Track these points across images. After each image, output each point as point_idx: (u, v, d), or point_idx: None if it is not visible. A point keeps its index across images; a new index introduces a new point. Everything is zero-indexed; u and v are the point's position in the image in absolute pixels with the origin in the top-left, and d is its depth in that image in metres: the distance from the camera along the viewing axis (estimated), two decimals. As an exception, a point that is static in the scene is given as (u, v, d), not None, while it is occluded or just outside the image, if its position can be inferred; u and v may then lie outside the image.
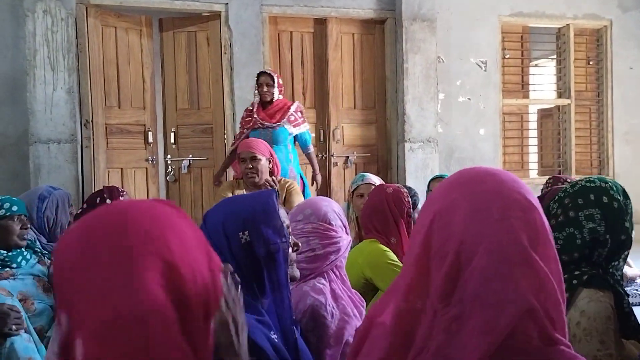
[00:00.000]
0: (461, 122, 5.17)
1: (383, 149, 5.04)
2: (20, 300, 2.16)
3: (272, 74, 3.94)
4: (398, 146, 4.95)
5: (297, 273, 1.33)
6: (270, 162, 3.12)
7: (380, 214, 2.25)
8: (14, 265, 2.27)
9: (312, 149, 4.13)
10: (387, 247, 2.21)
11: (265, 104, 3.90)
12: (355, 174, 4.85)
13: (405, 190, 2.33)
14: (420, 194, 3.66)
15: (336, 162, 4.88)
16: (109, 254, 0.69)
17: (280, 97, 3.96)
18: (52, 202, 2.70)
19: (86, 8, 4.24)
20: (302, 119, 3.98)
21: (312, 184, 4.16)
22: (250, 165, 3.04)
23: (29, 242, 2.39)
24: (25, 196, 2.83)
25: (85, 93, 4.24)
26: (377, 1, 4.90)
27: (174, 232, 0.74)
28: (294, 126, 3.91)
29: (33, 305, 2.21)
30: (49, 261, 2.43)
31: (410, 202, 2.30)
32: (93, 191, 3.06)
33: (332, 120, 4.86)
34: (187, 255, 0.74)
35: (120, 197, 2.56)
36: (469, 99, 5.20)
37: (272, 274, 1.21)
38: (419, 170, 4.85)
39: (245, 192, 3.06)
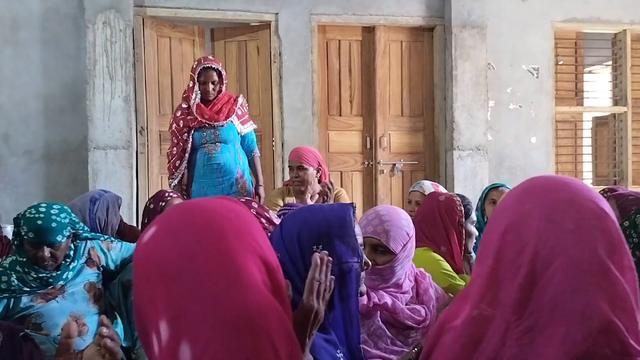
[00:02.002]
0: (512, 130, 5.07)
1: (431, 157, 5.00)
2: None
3: (219, 67, 3.44)
4: (446, 154, 4.90)
5: (364, 289, 1.30)
6: (318, 171, 3.11)
7: (431, 222, 2.23)
8: (61, 283, 2.12)
9: (258, 152, 3.64)
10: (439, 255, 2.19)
11: (206, 100, 3.45)
12: (402, 182, 4.85)
13: (459, 198, 2.31)
14: (474, 203, 3.60)
15: (382, 170, 4.87)
16: (212, 257, 0.69)
17: (226, 90, 3.54)
18: (102, 204, 2.75)
19: (143, 19, 4.40)
20: (247, 115, 3.57)
21: (256, 196, 3.56)
22: (297, 175, 3.06)
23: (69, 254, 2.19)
24: (78, 199, 2.94)
25: (140, 101, 4.39)
26: (426, 8, 4.88)
27: (254, 227, 0.75)
28: (242, 123, 3.50)
29: (85, 326, 2.12)
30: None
31: (463, 211, 2.27)
32: (147, 197, 3.16)
33: (379, 128, 4.86)
34: (267, 247, 0.76)
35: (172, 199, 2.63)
36: (520, 106, 5.10)
37: (342, 290, 1.17)
38: (468, 179, 4.78)
39: (294, 200, 3.08)
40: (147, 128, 4.44)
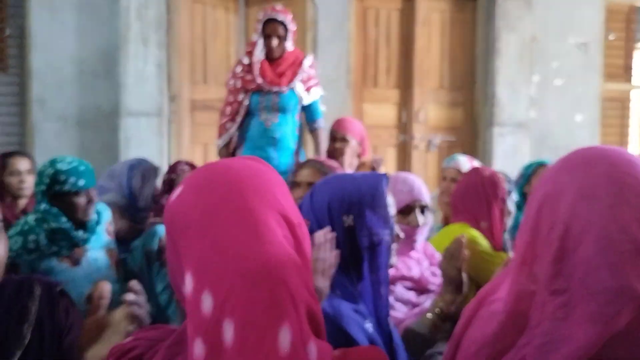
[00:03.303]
0: (556, 106, 4.85)
1: (469, 133, 4.83)
2: (89, 297, 2.09)
3: (285, 19, 2.97)
4: (486, 130, 4.72)
5: (395, 260, 1.28)
6: (359, 146, 3.04)
7: (474, 196, 2.15)
8: (85, 246, 2.10)
9: (322, 123, 3.10)
10: (476, 230, 2.10)
11: (271, 58, 3.00)
12: (438, 159, 4.71)
13: (503, 175, 2.22)
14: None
15: (417, 145, 4.73)
16: (233, 212, 0.72)
17: (293, 48, 3.06)
18: (139, 172, 2.76)
19: (177, -16, 4.33)
20: (315, 80, 3.07)
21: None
22: (338, 146, 2.98)
23: (97, 212, 2.21)
24: (119, 164, 2.97)
25: (173, 68, 4.35)
26: (469, -23, 4.67)
27: (276, 186, 0.79)
28: (307, 89, 3.03)
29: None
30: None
31: (506, 188, 2.18)
32: (170, 165, 3.15)
33: (416, 101, 4.70)
34: (291, 206, 0.79)
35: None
36: (566, 82, 4.87)
37: (372, 262, 1.16)
38: (508, 157, 4.61)
39: None
40: (179, 96, 4.39)
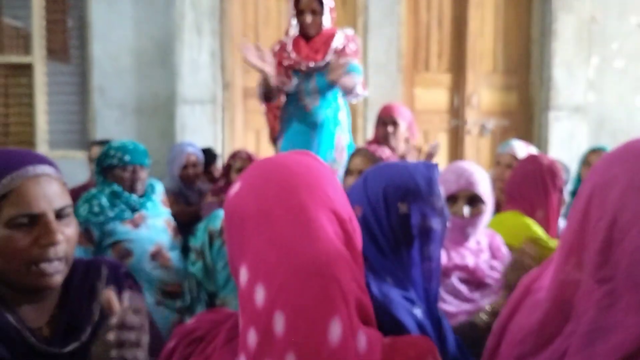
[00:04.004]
0: (616, 90, 4.65)
1: (524, 117, 4.71)
2: (153, 255, 2.25)
3: None
4: (541, 114, 4.59)
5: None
6: (408, 129, 3.02)
7: (533, 183, 2.12)
8: (144, 211, 2.31)
9: (359, 94, 2.83)
10: (531, 219, 2.07)
11: (307, 37, 2.78)
12: (492, 144, 4.61)
13: (561, 165, 2.19)
14: (570, 167, 3.39)
15: (470, 130, 4.65)
16: (286, 210, 0.76)
17: (332, 26, 2.81)
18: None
19: (229, -27, 4.39)
20: (353, 52, 2.79)
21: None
22: (389, 130, 2.97)
23: (151, 187, 2.43)
24: (171, 151, 3.18)
25: (226, 56, 4.43)
26: (525, -44, 4.51)
27: (327, 182, 0.82)
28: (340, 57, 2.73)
29: (169, 260, 2.28)
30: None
31: (564, 179, 2.15)
32: (232, 152, 3.24)
33: (469, 85, 4.61)
34: (341, 201, 0.82)
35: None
36: (627, 64, 4.66)
37: (424, 249, 1.17)
38: (565, 142, 4.47)
39: None
40: (231, 83, 4.48)
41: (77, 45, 4.70)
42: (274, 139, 3.10)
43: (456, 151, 4.68)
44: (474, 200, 1.67)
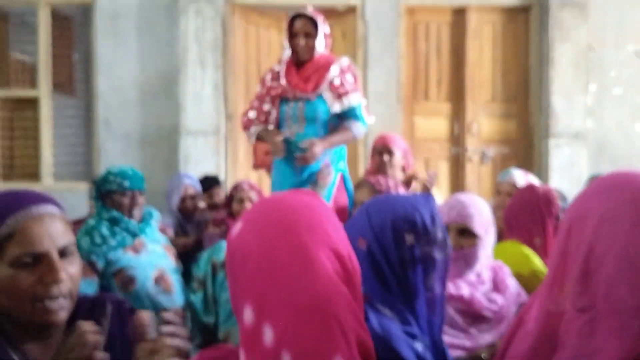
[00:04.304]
0: (615, 116, 4.70)
1: (524, 145, 4.75)
2: (156, 279, 2.26)
3: (315, 16, 2.61)
4: (541, 142, 4.63)
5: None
6: (404, 158, 3.05)
7: (528, 212, 2.16)
8: (143, 236, 2.32)
9: (358, 130, 2.66)
10: (530, 247, 2.09)
11: (300, 62, 2.65)
12: (493, 171, 4.64)
13: (557, 193, 2.23)
14: (568, 193, 3.40)
15: (471, 158, 4.69)
16: (288, 250, 0.80)
17: (325, 52, 2.67)
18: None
19: (232, 8, 4.49)
20: (352, 84, 2.63)
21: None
22: (384, 159, 3.01)
23: (149, 214, 2.45)
24: (169, 184, 3.22)
25: (229, 88, 4.50)
26: (521, -13, 4.61)
27: (327, 221, 0.86)
28: (338, 97, 2.59)
29: (172, 285, 2.30)
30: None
31: (560, 206, 2.18)
32: (234, 182, 3.28)
33: (469, 113, 4.67)
34: (340, 239, 0.85)
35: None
36: (625, 90, 4.71)
37: (429, 280, 1.19)
38: (565, 168, 4.50)
39: None
40: (234, 115, 4.54)
41: (83, 79, 4.79)
42: (257, 166, 3.11)
43: (457, 179, 4.71)
44: (465, 233, 1.65)
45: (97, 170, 4.50)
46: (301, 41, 2.59)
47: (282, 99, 2.67)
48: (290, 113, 2.65)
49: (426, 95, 4.72)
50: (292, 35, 2.63)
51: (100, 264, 2.22)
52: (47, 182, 4.59)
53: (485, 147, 4.69)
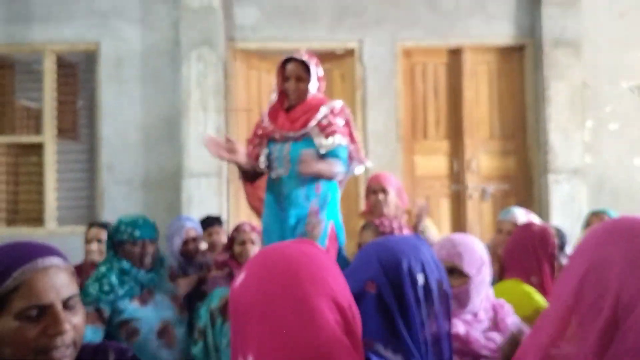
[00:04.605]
0: (613, 151, 4.75)
1: (524, 181, 4.79)
2: (159, 333, 2.30)
3: (307, 60, 2.51)
4: (540, 178, 4.67)
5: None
6: (398, 196, 3.08)
7: (522, 251, 2.17)
8: (151, 286, 2.38)
9: (339, 170, 2.52)
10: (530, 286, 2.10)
11: (290, 105, 2.59)
12: (493, 208, 4.67)
13: (553, 230, 2.23)
14: (568, 229, 3.42)
15: (471, 195, 4.72)
16: (289, 299, 0.83)
17: (318, 95, 2.57)
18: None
19: (234, 53, 4.60)
20: (341, 127, 2.52)
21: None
22: (379, 198, 3.04)
23: (160, 261, 2.49)
24: (173, 221, 3.24)
25: (231, 131, 4.57)
26: (515, 28, 4.74)
27: (327, 271, 0.89)
28: (326, 136, 2.48)
29: (174, 338, 2.34)
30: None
31: (556, 244, 2.18)
32: (236, 222, 3.30)
33: (468, 151, 4.73)
34: (341, 289, 0.88)
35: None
36: (622, 125, 4.78)
37: (437, 317, 1.22)
38: (566, 204, 4.52)
39: None
40: (236, 156, 4.60)
41: (87, 124, 4.87)
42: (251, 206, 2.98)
43: (458, 216, 4.73)
44: (454, 272, 1.66)
45: (100, 215, 4.53)
46: (292, 85, 2.53)
47: (269, 141, 2.59)
48: (276, 155, 2.56)
49: (425, 134, 4.79)
50: (284, 79, 2.57)
51: (107, 312, 2.24)
52: (50, 227, 4.62)
53: (485, 183, 4.73)
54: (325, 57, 4.81)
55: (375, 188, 3.08)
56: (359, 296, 1.13)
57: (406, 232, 2.40)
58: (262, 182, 2.74)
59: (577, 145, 4.60)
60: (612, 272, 0.83)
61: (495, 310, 1.75)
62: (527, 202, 4.68)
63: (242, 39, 4.64)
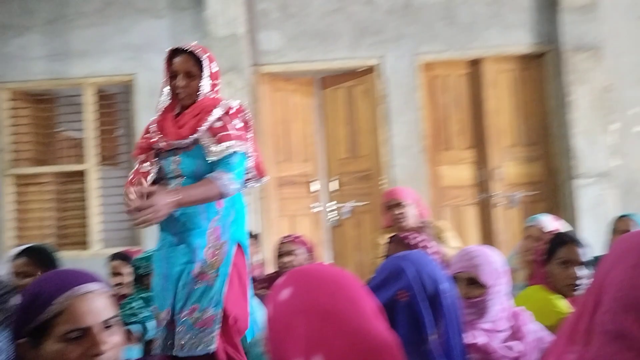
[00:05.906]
0: (638, 153, 4.72)
1: (551, 187, 4.80)
2: None
3: (197, 51, 2.11)
4: (566, 183, 4.68)
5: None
6: (417, 208, 3.16)
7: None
8: None
9: (228, 182, 1.97)
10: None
11: (182, 107, 2.14)
12: (521, 215, 4.69)
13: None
14: (597, 233, 3.41)
15: (498, 203, 4.76)
16: (346, 303, 0.95)
17: (215, 96, 2.14)
18: None
19: (260, 77, 4.80)
20: (238, 130, 2.08)
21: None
22: (399, 211, 3.13)
23: None
24: None
25: (260, 151, 4.75)
26: (534, 35, 4.79)
27: (358, 282, 1.01)
28: (218, 141, 2.02)
29: None
30: None
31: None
32: (269, 238, 3.42)
33: (492, 160, 4.78)
34: (372, 298, 1.02)
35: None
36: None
37: (440, 322, 1.36)
38: (594, 208, 4.51)
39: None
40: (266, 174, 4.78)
41: (126, 151, 5.12)
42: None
43: (485, 224, 4.77)
44: (473, 282, 1.72)
45: (141, 236, 4.76)
46: (180, 82, 2.09)
47: (158, 153, 2.14)
48: (167, 168, 2.12)
49: (448, 144, 4.86)
50: (172, 76, 2.13)
51: (140, 331, 2.50)
52: (95, 249, 4.88)
53: (511, 191, 4.77)
54: (348, 74, 4.98)
55: (391, 204, 3.18)
56: (389, 305, 1.28)
57: (430, 244, 2.50)
58: None
59: (602, 149, 4.59)
60: (602, 268, 0.88)
61: (514, 317, 1.77)
62: (555, 208, 4.69)
63: (267, 62, 4.84)
